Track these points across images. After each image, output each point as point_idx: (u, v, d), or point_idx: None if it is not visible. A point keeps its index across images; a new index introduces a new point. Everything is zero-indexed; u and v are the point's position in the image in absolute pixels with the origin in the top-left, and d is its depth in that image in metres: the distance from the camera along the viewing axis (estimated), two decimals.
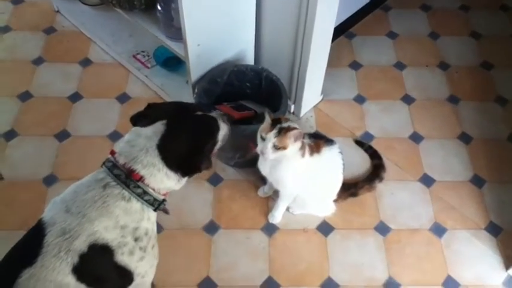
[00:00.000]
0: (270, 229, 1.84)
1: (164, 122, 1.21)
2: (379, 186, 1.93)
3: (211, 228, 1.84)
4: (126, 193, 1.17)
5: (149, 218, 1.23)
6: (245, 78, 1.98)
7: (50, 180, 1.93)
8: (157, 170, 1.19)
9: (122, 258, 1.17)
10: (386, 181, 1.95)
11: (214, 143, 1.34)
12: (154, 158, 1.18)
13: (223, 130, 1.38)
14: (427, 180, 1.98)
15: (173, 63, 2.23)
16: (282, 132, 1.49)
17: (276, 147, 1.50)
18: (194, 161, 1.24)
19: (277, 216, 1.83)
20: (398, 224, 1.86)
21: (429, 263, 1.77)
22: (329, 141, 1.72)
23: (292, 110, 2.17)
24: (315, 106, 2.21)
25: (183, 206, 1.89)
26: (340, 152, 1.72)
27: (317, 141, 1.68)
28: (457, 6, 2.66)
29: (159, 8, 1.86)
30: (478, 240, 1.83)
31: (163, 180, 1.21)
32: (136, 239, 1.19)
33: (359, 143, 2.08)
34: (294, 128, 1.50)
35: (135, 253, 1.19)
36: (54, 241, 1.11)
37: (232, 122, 1.83)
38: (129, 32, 2.39)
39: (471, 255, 1.79)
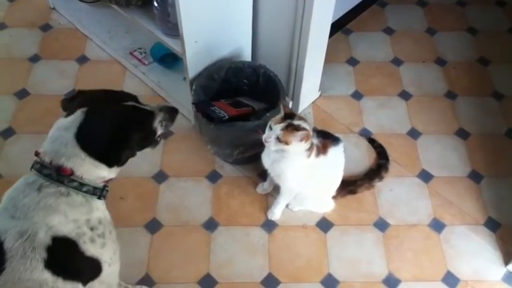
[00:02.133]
0: (269, 226, 1.84)
1: (84, 110, 1.17)
2: (378, 183, 1.94)
3: (210, 225, 1.83)
4: (63, 189, 1.13)
5: (98, 208, 1.20)
6: (242, 74, 1.97)
7: None
8: (82, 160, 1.14)
9: (86, 247, 1.16)
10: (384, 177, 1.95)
11: (145, 133, 1.26)
12: (75, 149, 1.13)
13: (159, 116, 1.29)
14: (425, 176, 1.99)
15: (170, 60, 2.22)
16: (290, 128, 1.49)
17: (279, 140, 1.50)
18: (114, 152, 1.18)
19: (276, 213, 1.83)
20: (396, 219, 1.87)
21: (428, 259, 1.78)
22: (335, 140, 1.71)
23: (290, 107, 2.17)
24: (312, 102, 2.21)
25: (182, 203, 1.89)
26: (344, 151, 1.72)
27: (324, 141, 1.66)
28: (454, 2, 2.66)
29: (155, 4, 1.85)
30: (477, 236, 1.83)
31: (92, 170, 1.16)
32: (92, 229, 1.18)
33: (371, 140, 2.07)
34: (303, 129, 1.49)
35: (96, 240, 1.18)
36: (15, 244, 1.08)
37: (230, 119, 1.85)
38: (125, 29, 2.38)
39: (470, 250, 1.80)
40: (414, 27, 2.54)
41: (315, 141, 1.61)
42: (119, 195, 1.88)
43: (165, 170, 1.98)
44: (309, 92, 2.15)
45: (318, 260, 1.76)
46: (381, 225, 1.85)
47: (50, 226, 1.11)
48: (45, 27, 2.46)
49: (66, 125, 1.16)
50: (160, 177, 1.96)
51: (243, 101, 2.00)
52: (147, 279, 1.70)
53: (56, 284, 1.11)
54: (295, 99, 2.13)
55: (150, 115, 1.27)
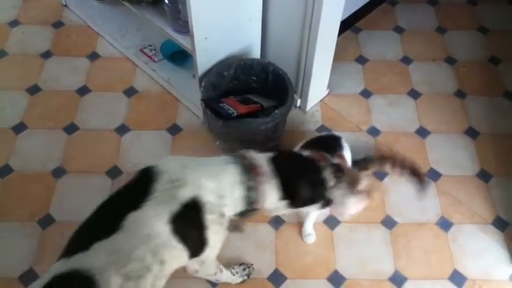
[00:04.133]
0: (276, 222, 1.85)
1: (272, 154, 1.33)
2: (386, 180, 1.94)
3: None
4: (240, 178, 1.24)
5: (233, 209, 1.27)
6: (251, 72, 1.98)
7: (58, 172, 1.95)
8: (271, 178, 1.26)
9: (208, 224, 1.23)
10: (392, 175, 1.95)
11: (323, 192, 1.33)
12: (270, 167, 1.28)
13: (331, 183, 1.34)
14: (433, 175, 1.98)
15: (180, 57, 2.24)
16: None
17: None
18: (294, 191, 1.29)
19: (310, 230, 1.80)
20: (404, 217, 1.87)
21: (436, 257, 1.78)
22: (340, 145, 1.67)
23: (298, 104, 2.18)
24: (321, 100, 2.21)
25: None
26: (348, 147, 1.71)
27: (340, 154, 1.62)
28: (465, 1, 2.64)
29: (166, 1, 1.86)
30: (485, 235, 1.82)
31: (271, 190, 1.27)
32: (221, 214, 1.25)
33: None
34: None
35: (216, 223, 1.25)
36: (162, 188, 1.18)
37: (239, 116, 1.86)
38: (136, 26, 2.41)
39: (478, 249, 1.79)
40: (424, 25, 2.53)
41: (335, 161, 1.50)
42: None
43: None
44: (317, 89, 2.15)
45: (324, 256, 1.77)
46: (389, 223, 1.85)
47: (200, 185, 1.20)
48: (58, 24, 2.50)
49: (265, 154, 1.32)
50: None
51: (252, 98, 2.01)
52: None
53: (169, 242, 1.17)
54: (304, 97, 2.13)
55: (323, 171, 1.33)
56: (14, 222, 1.82)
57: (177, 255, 1.21)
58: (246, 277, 1.69)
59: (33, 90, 2.23)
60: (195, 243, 1.26)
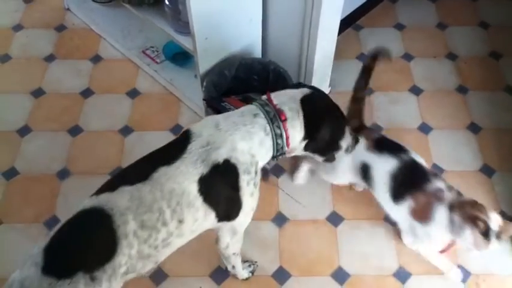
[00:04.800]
0: (279, 220, 1.86)
1: (310, 90, 1.37)
2: None
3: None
4: (268, 127, 1.28)
5: (264, 162, 1.33)
6: (253, 71, 2.00)
7: (63, 174, 1.97)
8: (297, 117, 1.30)
9: (242, 184, 1.27)
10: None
11: (338, 140, 1.40)
12: (298, 106, 1.30)
13: (347, 141, 1.42)
14: (436, 170, 1.98)
15: (182, 58, 2.26)
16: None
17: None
18: (316, 130, 1.33)
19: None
20: None
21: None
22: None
23: None
24: None
25: None
26: None
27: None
28: None
29: (166, 2, 1.88)
30: None
31: (295, 132, 1.31)
32: (256, 172, 1.30)
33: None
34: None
35: (250, 185, 1.29)
36: (196, 149, 1.23)
37: None
38: (138, 28, 2.42)
39: None
40: (425, 22, 2.53)
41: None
42: None
43: None
44: (319, 87, 2.15)
45: (328, 253, 1.77)
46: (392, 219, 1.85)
47: (234, 148, 1.24)
48: (60, 28, 2.52)
49: (295, 91, 1.35)
50: None
51: (254, 97, 2.02)
52: (157, 272, 1.72)
53: (195, 201, 1.21)
54: None
55: (344, 127, 1.41)
56: (19, 224, 1.84)
57: (200, 217, 1.24)
58: (250, 274, 1.70)
59: (37, 93, 2.25)
60: (229, 206, 1.29)
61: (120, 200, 1.16)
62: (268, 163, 1.40)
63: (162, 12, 1.96)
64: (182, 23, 1.88)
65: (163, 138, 2.07)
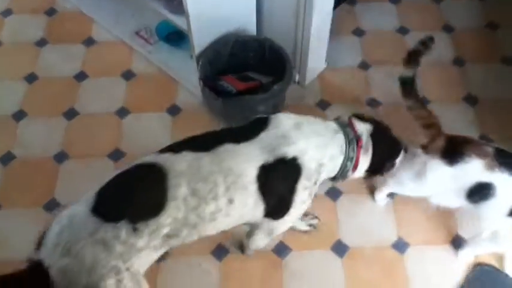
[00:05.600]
0: None
1: (372, 126, 1.41)
2: None
3: None
4: (344, 147, 1.32)
5: (319, 179, 1.33)
6: (249, 48, 1.98)
7: (60, 157, 1.96)
8: (369, 151, 1.36)
9: (299, 187, 1.27)
10: None
11: (394, 163, 1.50)
12: (369, 141, 1.37)
13: (400, 159, 1.51)
14: None
15: (176, 37, 2.23)
16: None
17: None
18: (384, 167, 1.45)
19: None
20: None
21: (437, 224, 1.79)
22: None
23: (297, 79, 2.17)
24: (319, 74, 2.21)
25: None
26: None
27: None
28: None
29: None
30: None
31: (364, 162, 1.37)
32: (316, 182, 1.31)
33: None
34: None
35: (306, 192, 1.29)
36: (268, 138, 1.24)
37: (238, 93, 1.86)
38: (131, 9, 2.39)
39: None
40: None
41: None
42: None
43: None
44: (315, 64, 2.14)
45: (328, 227, 1.78)
46: (391, 192, 1.86)
47: (305, 149, 1.25)
48: (51, 12, 2.48)
49: (365, 126, 1.40)
50: None
51: (250, 75, 2.01)
52: None
53: (250, 186, 1.21)
54: (302, 71, 2.13)
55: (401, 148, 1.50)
56: (18, 209, 1.84)
57: (250, 204, 1.24)
58: (311, 227, 1.74)
59: (31, 78, 2.23)
60: (278, 204, 1.29)
61: (179, 163, 1.18)
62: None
63: None
64: (175, 3, 1.85)
65: (160, 119, 2.08)
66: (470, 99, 2.12)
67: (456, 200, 1.52)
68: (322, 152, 1.28)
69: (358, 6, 2.46)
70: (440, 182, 1.49)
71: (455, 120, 2.06)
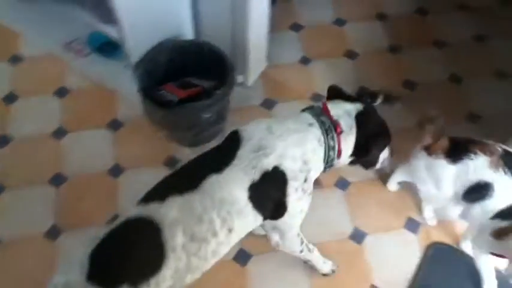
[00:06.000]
0: None
1: (363, 106, 1.35)
2: None
3: None
4: (322, 138, 1.28)
5: (317, 170, 1.31)
6: (187, 54, 1.92)
7: None
8: (351, 133, 1.30)
9: (290, 190, 1.24)
10: None
11: (378, 154, 1.42)
12: (353, 122, 1.30)
13: (386, 153, 1.45)
14: None
15: (109, 48, 2.13)
16: None
17: None
18: (369, 147, 1.34)
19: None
20: (357, 176, 1.91)
21: (390, 209, 1.84)
22: None
23: (240, 81, 2.14)
24: (262, 73, 2.19)
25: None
26: None
27: None
28: None
29: None
30: None
31: (347, 147, 1.32)
32: (305, 180, 1.27)
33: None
34: None
35: (299, 191, 1.26)
36: (246, 155, 1.20)
37: (180, 101, 1.80)
38: (59, 21, 2.24)
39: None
40: None
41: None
42: (75, 198, 1.82)
43: (121, 163, 1.92)
44: (257, 63, 2.13)
45: None
46: (342, 184, 1.89)
47: (284, 154, 1.22)
48: None
49: (350, 106, 1.34)
50: (116, 171, 1.90)
51: (192, 81, 1.96)
52: None
53: (244, 209, 1.19)
54: (244, 72, 2.10)
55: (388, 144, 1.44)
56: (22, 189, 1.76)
57: (250, 222, 1.23)
58: (331, 271, 1.67)
59: None
60: (275, 208, 1.27)
61: (169, 212, 1.12)
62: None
63: (83, 1, 1.82)
64: (106, 11, 1.76)
65: (101, 136, 1.99)
66: (409, 84, 2.19)
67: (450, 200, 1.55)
68: (301, 149, 1.25)
69: (295, 2, 2.46)
70: (447, 181, 1.49)
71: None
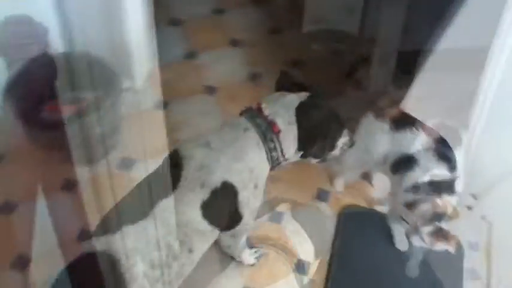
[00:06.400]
0: None
1: (309, 95, 1.30)
2: None
3: None
4: (260, 142, 1.24)
5: (263, 169, 1.29)
6: (66, 68, 1.78)
7: None
8: (292, 130, 1.25)
9: (242, 200, 1.24)
10: None
11: (334, 142, 1.37)
12: (293, 116, 1.25)
13: (345, 138, 1.39)
14: None
15: None
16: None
17: None
18: (313, 138, 1.28)
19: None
20: None
21: (300, 184, 1.87)
22: None
23: (127, 86, 2.05)
24: (150, 74, 2.12)
25: None
26: None
27: None
28: None
29: None
30: None
31: (290, 144, 1.27)
32: (255, 186, 1.26)
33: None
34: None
35: (250, 198, 1.26)
36: (191, 175, 1.18)
37: (67, 120, 1.67)
38: None
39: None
40: None
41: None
42: None
43: (10, 198, 1.72)
44: (142, 64, 2.05)
45: None
46: None
47: (229, 168, 1.20)
48: None
49: (292, 97, 1.28)
50: (6, 208, 1.71)
51: (77, 95, 1.82)
52: None
53: (200, 226, 1.18)
54: (130, 77, 2.02)
55: (341, 130, 1.37)
56: None
57: (208, 237, 1.24)
58: (256, 260, 1.64)
59: None
60: (229, 221, 1.28)
61: (125, 241, 1.10)
62: None
63: None
64: None
65: None
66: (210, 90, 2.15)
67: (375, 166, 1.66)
68: (244, 159, 1.23)
69: None
70: (381, 145, 1.58)
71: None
